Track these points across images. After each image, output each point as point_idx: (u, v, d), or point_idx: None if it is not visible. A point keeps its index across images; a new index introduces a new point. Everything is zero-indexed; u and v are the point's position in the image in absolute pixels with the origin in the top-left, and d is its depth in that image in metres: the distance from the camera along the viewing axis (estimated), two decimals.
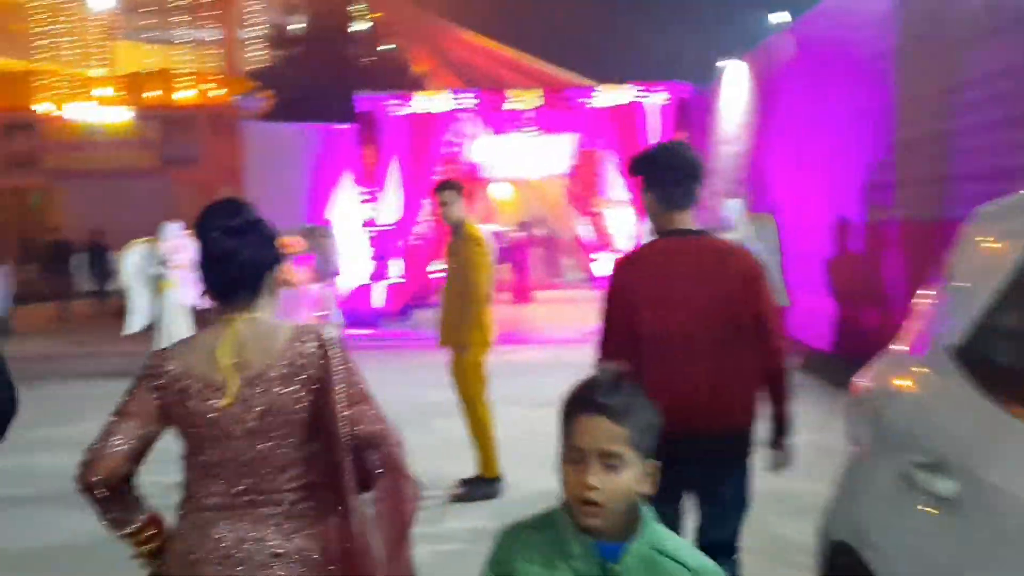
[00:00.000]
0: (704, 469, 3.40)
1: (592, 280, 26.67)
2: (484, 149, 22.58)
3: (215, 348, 2.45)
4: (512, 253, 22.34)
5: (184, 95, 31.81)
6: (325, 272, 14.89)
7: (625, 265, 3.48)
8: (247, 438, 2.41)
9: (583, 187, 25.37)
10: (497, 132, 19.98)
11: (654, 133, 18.41)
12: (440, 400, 8.90)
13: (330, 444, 2.44)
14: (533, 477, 6.55)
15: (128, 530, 2.47)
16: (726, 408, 3.36)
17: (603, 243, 24.08)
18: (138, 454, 2.45)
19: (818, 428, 7.85)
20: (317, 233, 15.29)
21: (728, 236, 11.21)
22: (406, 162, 18.45)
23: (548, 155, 24.05)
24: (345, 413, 2.42)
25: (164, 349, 2.56)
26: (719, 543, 3.44)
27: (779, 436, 3.60)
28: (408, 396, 10.09)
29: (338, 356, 2.46)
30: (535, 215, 40.67)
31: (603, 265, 24.63)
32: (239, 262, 2.47)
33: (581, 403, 2.12)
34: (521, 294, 22.38)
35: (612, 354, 3.23)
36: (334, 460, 2.44)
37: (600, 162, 22.67)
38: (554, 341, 14.74)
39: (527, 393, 9.96)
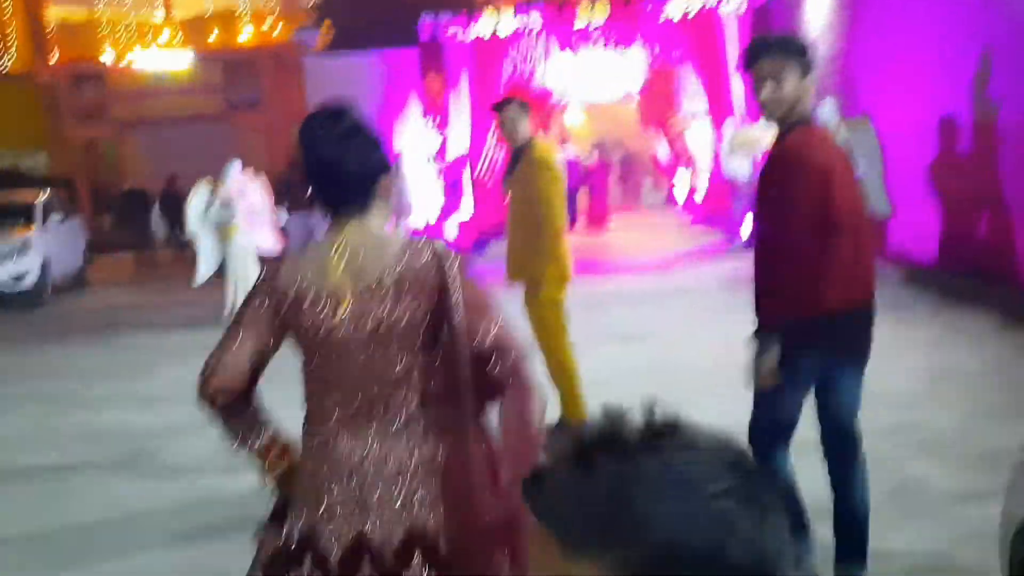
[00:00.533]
0: (859, 336, 3.55)
1: (671, 202, 25.82)
2: (555, 71, 21.72)
3: (328, 257, 2.41)
4: (588, 178, 21.56)
5: (245, 36, 31.21)
6: (397, 208, 14.47)
7: (813, 150, 3.43)
8: (363, 349, 2.36)
9: (658, 106, 24.38)
10: (565, 49, 19.09)
11: (732, 44, 17.38)
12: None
13: (450, 356, 2.39)
14: None
15: (254, 446, 2.46)
16: (872, 283, 3.58)
17: (682, 162, 23.17)
18: (257, 366, 2.44)
19: (929, 349, 7.14)
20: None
21: None
22: (473, 88, 17.75)
23: (620, 72, 23.08)
24: (464, 325, 2.36)
25: (279, 259, 2.55)
26: (849, 426, 3.57)
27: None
28: None
29: (455, 267, 2.39)
30: (610, 139, 39.80)
31: (682, 185, 23.84)
32: (346, 169, 2.42)
33: None
34: (597, 221, 21.65)
35: (803, 241, 3.32)
36: (455, 372, 2.38)
37: (674, 78, 21.64)
38: (635, 269, 14.06)
39: (611, 328, 9.35)
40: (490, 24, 17.39)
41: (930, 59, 10.51)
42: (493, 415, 2.45)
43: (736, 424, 5.82)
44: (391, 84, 17.09)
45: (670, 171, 25.51)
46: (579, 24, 17.45)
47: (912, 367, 6.71)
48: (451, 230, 17.62)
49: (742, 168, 14.03)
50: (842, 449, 3.55)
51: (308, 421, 2.47)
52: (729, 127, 14.52)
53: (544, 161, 5.97)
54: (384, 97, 16.83)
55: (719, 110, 17.67)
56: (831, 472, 3.60)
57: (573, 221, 21.36)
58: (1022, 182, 8.66)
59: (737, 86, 17.41)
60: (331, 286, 2.39)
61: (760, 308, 3.50)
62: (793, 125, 3.47)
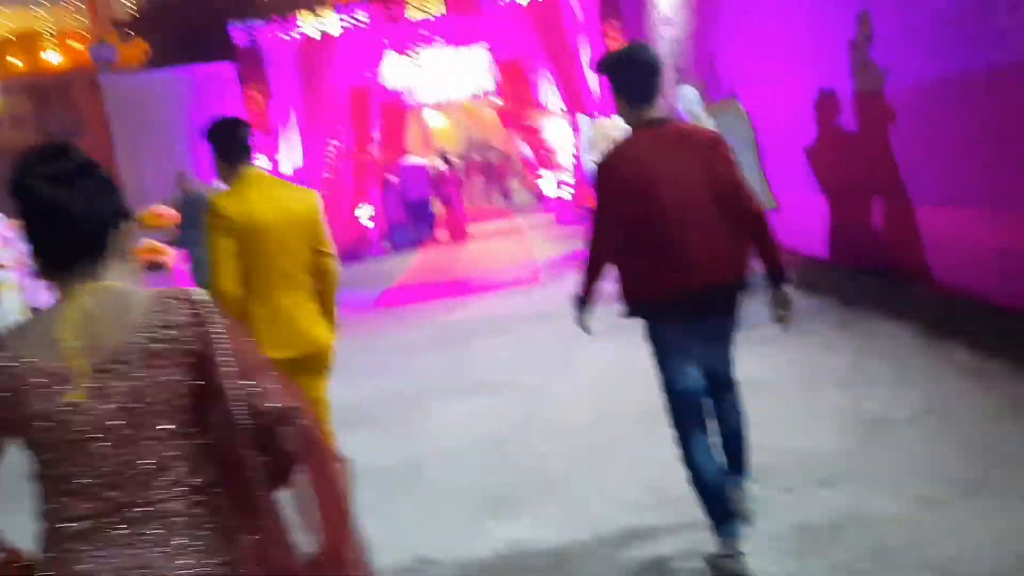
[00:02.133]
0: (708, 318, 3.80)
1: (541, 200, 24.64)
2: (397, 72, 20.09)
3: (55, 329, 1.99)
4: (440, 187, 19.89)
5: (54, 58, 28.46)
6: None
7: (610, 164, 3.70)
8: (110, 437, 1.96)
9: (516, 103, 23.00)
10: (401, 50, 17.38)
11: (581, 27, 15.98)
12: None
13: (223, 432, 2.02)
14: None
15: None
16: (722, 266, 3.70)
17: (544, 160, 21.83)
18: None
19: (845, 384, 5.70)
20: (202, 196, 12.86)
21: None
22: (302, 98, 15.90)
23: (467, 70, 21.65)
24: (237, 391, 2.01)
25: None
26: (722, 378, 3.95)
27: (777, 284, 3.85)
28: None
29: (218, 322, 2.03)
30: (473, 140, 38.44)
31: (549, 183, 22.67)
32: (70, 216, 2.01)
33: None
34: (456, 231, 19.97)
35: (605, 249, 3.75)
36: (232, 451, 2.02)
37: (528, 73, 20.21)
38: (496, 287, 12.45)
39: (463, 375, 7.74)
40: (314, 24, 15.55)
41: (801, 26, 9.18)
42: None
43: (634, 501, 4.19)
44: (206, 100, 15.04)
45: (535, 168, 24.24)
46: (411, 17, 15.74)
47: (826, 410, 5.26)
48: None
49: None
50: (721, 392, 3.94)
51: (46, 534, 1.99)
52: (584, 122, 13.06)
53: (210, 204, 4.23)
54: (198, 115, 14.80)
55: (574, 104, 16.23)
56: (715, 407, 3.94)
57: (430, 234, 19.72)
58: (921, 162, 7.34)
59: (591, 78, 16.02)
60: (62, 364, 1.96)
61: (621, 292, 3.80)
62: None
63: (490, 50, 18.00)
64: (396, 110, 25.63)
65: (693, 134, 3.81)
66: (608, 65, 3.75)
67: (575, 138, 15.93)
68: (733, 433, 3.94)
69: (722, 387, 3.93)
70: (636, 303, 3.71)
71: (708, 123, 8.83)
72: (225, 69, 15.20)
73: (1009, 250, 6.44)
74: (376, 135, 22.14)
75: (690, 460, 3.79)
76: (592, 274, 3.89)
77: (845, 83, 8.33)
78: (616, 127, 13.13)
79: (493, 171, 32.35)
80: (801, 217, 9.50)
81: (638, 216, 3.62)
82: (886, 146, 7.74)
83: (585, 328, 4.02)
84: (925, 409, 5.05)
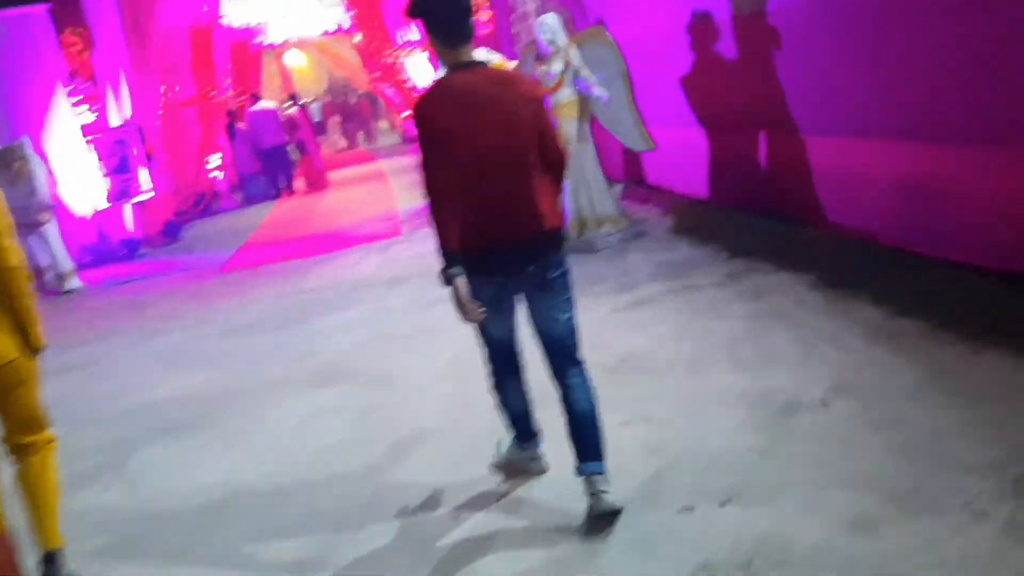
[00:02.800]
0: (529, 266, 3.55)
1: (408, 141, 23.48)
2: (241, 9, 18.52)
3: None
4: (293, 132, 18.47)
5: None
6: (30, 207, 11.06)
7: (427, 103, 3.46)
8: None
9: (372, 38, 21.62)
10: None
11: None
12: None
13: None
14: None
15: None
16: (537, 213, 3.52)
17: (408, 98, 20.63)
18: None
19: (753, 353, 4.84)
20: (13, 156, 11.31)
21: (551, 67, 7.93)
22: (129, 40, 14.28)
23: (318, 4, 20.16)
24: None
25: None
26: (562, 348, 3.66)
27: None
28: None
29: None
30: (334, 80, 36.67)
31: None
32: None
33: None
34: (315, 180, 18.63)
35: (441, 189, 3.37)
36: None
37: (383, 3, 18.88)
38: (352, 242, 11.33)
39: (306, 360, 6.68)
40: None
41: None
42: None
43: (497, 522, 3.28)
44: (16, 51, 13.26)
45: (399, 106, 22.96)
46: None
47: (720, 395, 4.43)
48: (129, 217, 14.24)
49: None
50: (565, 367, 3.67)
51: None
52: None
53: None
54: (8, 68, 13.06)
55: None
56: (560, 388, 3.69)
57: (287, 185, 18.37)
58: (808, 89, 6.55)
59: None
60: None
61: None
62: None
63: None
64: (246, 51, 23.96)
65: (512, 78, 3.66)
66: (419, 6, 3.55)
67: (435, 74, 14.77)
68: (584, 416, 3.65)
69: (565, 360, 3.67)
70: (453, 253, 3.39)
71: (572, 54, 7.89)
72: (36, 11, 13.44)
73: (908, 185, 5.72)
74: (226, 80, 20.52)
75: (504, 397, 3.92)
76: (446, 220, 3.40)
77: (722, 3, 7.46)
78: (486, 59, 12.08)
79: (353, 112, 30.83)
80: (677, 154, 8.69)
81: (455, 161, 3.40)
82: (769, 73, 6.92)
83: (464, 302, 3.41)
84: (837, 386, 4.25)
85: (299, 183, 18.93)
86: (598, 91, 7.66)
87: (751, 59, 7.20)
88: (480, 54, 11.62)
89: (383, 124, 33.21)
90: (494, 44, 13.97)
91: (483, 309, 3.46)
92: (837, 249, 6.25)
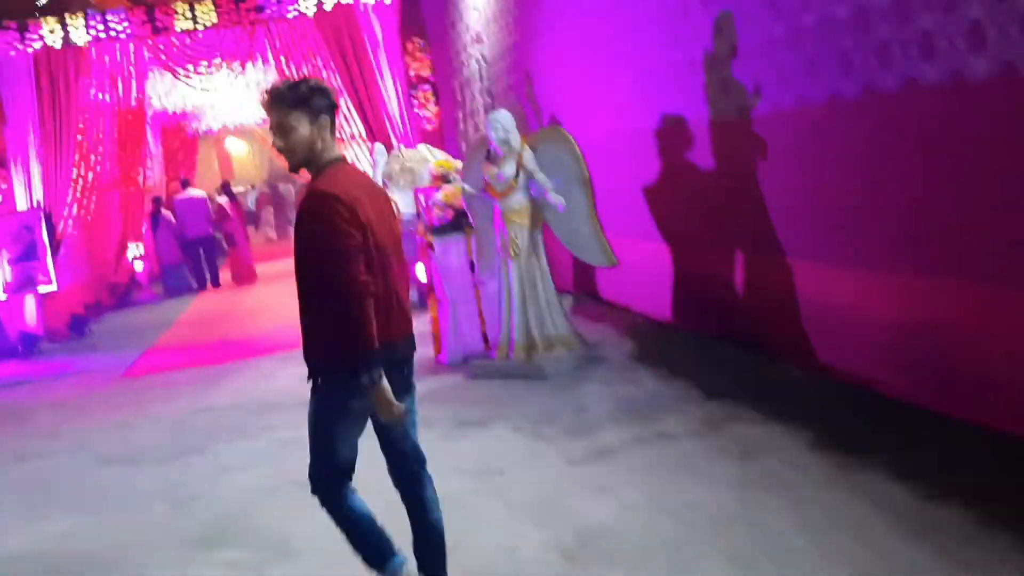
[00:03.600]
0: (405, 365, 3.50)
1: None
2: (174, 92, 17.53)
3: None
4: (221, 224, 17.38)
5: None
6: None
7: (347, 190, 3.26)
8: None
9: None
10: (172, 67, 14.88)
11: (379, 45, 14.01)
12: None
13: None
14: None
15: None
16: (408, 309, 3.50)
17: None
18: None
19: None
20: None
21: (503, 169, 7.05)
22: (44, 118, 13.20)
23: (254, 91, 19.24)
24: None
25: None
26: (417, 453, 3.58)
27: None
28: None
29: None
30: (275, 169, 35.75)
31: None
32: None
33: None
34: (243, 273, 17.48)
35: (365, 282, 3.18)
36: None
37: None
38: (270, 348, 10.20)
39: (192, 516, 5.53)
40: (59, 34, 12.90)
41: (641, 39, 7.49)
42: None
43: None
44: None
45: None
46: (180, 28, 13.30)
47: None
48: (31, 309, 12.95)
49: (401, 201, 10.60)
50: (416, 474, 3.56)
51: None
52: (381, 152, 11.06)
53: None
54: None
55: (373, 130, 14.20)
56: (411, 497, 3.56)
57: (211, 278, 17.23)
58: (796, 211, 5.71)
59: (392, 101, 14.06)
60: None
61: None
62: (322, 168, 3.34)
63: (277, 69, 15.73)
64: (181, 135, 22.93)
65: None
66: (317, 89, 3.35)
67: (372, 169, 13.93)
68: (433, 526, 3.56)
69: (419, 465, 3.60)
70: (377, 354, 3.18)
71: (526, 155, 7.01)
72: None
73: (913, 326, 4.83)
74: (151, 164, 19.43)
75: (355, 514, 3.53)
76: (370, 317, 3.19)
77: (697, 107, 6.67)
78: (419, 159, 11.20)
79: (286, 203, 29.92)
80: (637, 270, 7.78)
81: (373, 254, 3.28)
82: (751, 186, 6.08)
83: (392, 402, 3.25)
84: None
85: (226, 275, 17.79)
86: (554, 198, 6.76)
87: (730, 169, 6.38)
88: (421, 151, 10.73)
89: None
90: (438, 142, 13.16)
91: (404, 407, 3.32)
92: (832, 396, 5.32)
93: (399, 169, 10.81)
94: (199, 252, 17.12)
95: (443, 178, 9.48)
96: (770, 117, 5.80)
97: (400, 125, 14.03)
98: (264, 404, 7.54)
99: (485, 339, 7.80)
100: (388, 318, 3.28)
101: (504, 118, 7.05)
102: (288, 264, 13.94)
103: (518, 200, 7.01)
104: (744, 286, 6.50)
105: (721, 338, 6.80)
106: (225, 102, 20.82)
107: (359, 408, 3.33)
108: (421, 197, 9.92)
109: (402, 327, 3.40)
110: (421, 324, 10.23)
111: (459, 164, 9.78)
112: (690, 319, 7.36)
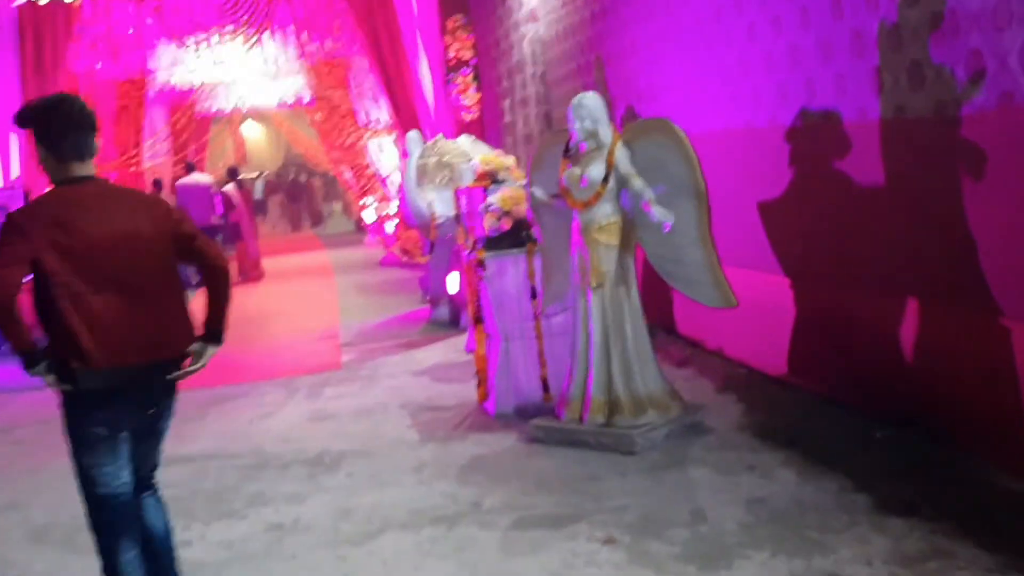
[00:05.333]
0: (148, 399, 3.45)
1: (366, 232, 21.08)
2: (184, 67, 15.95)
3: None
4: (229, 213, 15.70)
5: None
6: None
7: (29, 209, 3.47)
8: None
9: (333, 113, 19.13)
10: (181, 37, 13.22)
11: (416, 22, 12.32)
12: None
13: None
14: None
15: None
16: (164, 340, 3.41)
17: (367, 185, 18.15)
18: None
19: None
20: None
21: (588, 170, 5.34)
22: (27, 88, 11.54)
23: (275, 71, 17.69)
24: None
25: None
26: (149, 474, 3.60)
27: (211, 340, 3.53)
28: None
29: None
30: (292, 157, 34.20)
31: (372, 214, 19.08)
32: None
33: None
34: (246, 270, 15.80)
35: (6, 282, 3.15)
36: None
37: (349, 75, 16.37)
38: (268, 373, 8.49)
39: None
40: None
41: (766, 5, 5.78)
42: None
43: None
44: None
45: (361, 193, 20.47)
46: None
47: None
48: None
49: (438, 201, 8.94)
50: (143, 489, 3.56)
51: None
52: (414, 142, 9.35)
53: None
54: None
55: (404, 118, 12.52)
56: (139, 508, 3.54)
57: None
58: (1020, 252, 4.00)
59: (427, 85, 12.36)
60: None
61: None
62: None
63: (298, 42, 14.07)
64: (190, 115, 21.39)
65: (129, 194, 3.63)
66: (26, 117, 3.41)
67: (402, 162, 12.28)
68: (161, 538, 3.55)
69: (144, 484, 3.57)
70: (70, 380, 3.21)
71: (620, 155, 5.30)
72: None
73: None
74: (152, 142, 17.82)
75: (117, 568, 3.38)
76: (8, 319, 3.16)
77: (858, 99, 4.95)
78: (460, 152, 9.49)
79: (299, 192, 28.28)
80: (744, 308, 6.00)
81: (63, 278, 3.22)
82: (944, 211, 4.38)
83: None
84: None
85: (231, 270, 16.11)
86: (658, 213, 5.04)
87: (912, 187, 4.65)
88: (463, 144, 9.03)
89: (336, 207, 30.78)
90: (479, 134, 11.45)
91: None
92: None
93: (436, 163, 9.13)
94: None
95: (491, 177, 7.79)
96: (980, 116, 4.08)
97: (435, 114, 12.33)
98: (258, 458, 5.83)
99: (545, 386, 6.08)
100: (118, 339, 3.27)
101: (593, 104, 5.33)
102: (299, 260, 12.05)
103: (605, 212, 5.30)
104: (920, 348, 4.76)
105: (869, 412, 5.07)
106: (239, 81, 19.26)
107: (89, 426, 3.31)
108: (463, 199, 8.26)
109: (146, 352, 3.34)
110: (452, 351, 8.77)
111: (510, 161, 8.12)
112: (818, 379, 5.63)
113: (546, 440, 5.45)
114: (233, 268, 16.11)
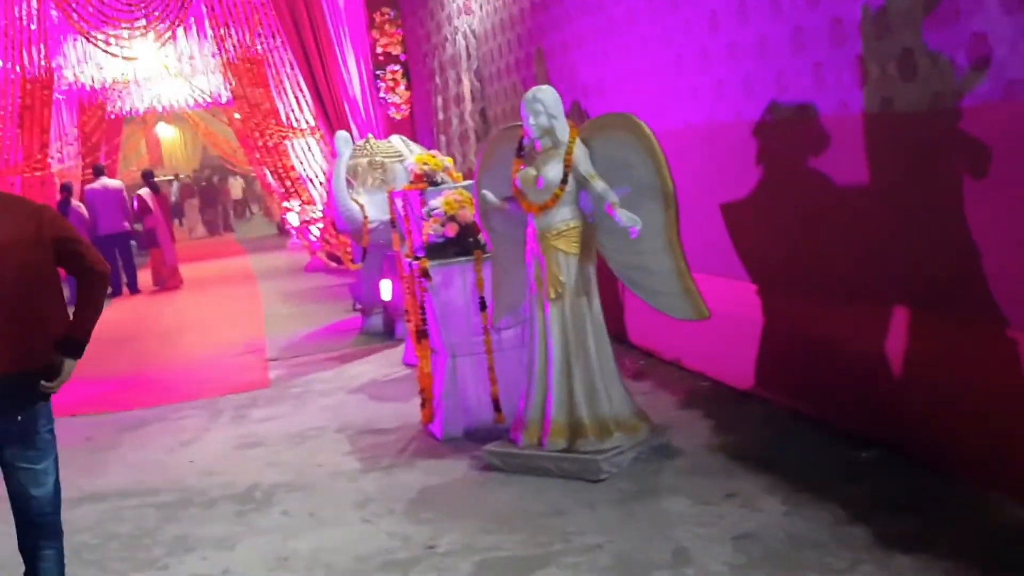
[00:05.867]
0: (13, 407, 3.32)
1: (290, 232, 20.38)
2: (93, 64, 15.10)
3: None
4: (142, 219, 14.88)
5: None
6: None
7: None
8: None
9: (252, 113, 18.35)
10: (89, 29, 12.41)
11: (342, 16, 11.75)
12: None
13: None
14: None
15: None
16: (30, 349, 3.30)
17: (290, 188, 17.45)
18: None
19: None
20: None
21: (545, 170, 4.88)
22: None
23: (191, 69, 16.90)
24: None
25: None
26: (35, 514, 3.38)
27: (68, 353, 3.36)
28: None
29: None
30: (209, 160, 33.22)
31: (296, 218, 18.37)
32: None
33: None
34: (163, 277, 14.98)
35: None
36: None
37: (274, 71, 15.64)
38: (179, 396, 7.85)
39: None
40: None
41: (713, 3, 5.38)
42: None
43: None
44: None
45: (282, 195, 19.72)
46: None
47: None
48: None
49: (370, 204, 8.40)
50: (36, 540, 3.40)
51: None
52: (344, 141, 8.77)
53: None
54: None
55: (329, 118, 11.92)
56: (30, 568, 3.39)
57: (128, 281, 14.78)
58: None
59: (354, 82, 11.79)
60: None
61: None
62: None
63: (216, 38, 13.35)
64: (101, 116, 20.40)
65: (11, 202, 3.45)
66: None
67: (329, 163, 11.69)
68: None
69: (36, 531, 3.38)
70: None
71: (579, 153, 4.85)
72: None
73: None
74: (62, 147, 16.86)
75: None
76: None
77: (837, 92, 4.58)
78: (392, 152, 8.94)
79: (216, 196, 27.40)
80: (718, 324, 5.60)
81: None
82: (934, 209, 4.01)
83: None
84: None
85: (147, 278, 15.33)
86: (624, 218, 4.59)
87: (892, 184, 4.28)
88: (395, 143, 8.46)
89: (255, 209, 30.01)
90: (409, 133, 10.92)
91: None
92: None
93: (367, 164, 8.59)
94: (114, 251, 14.59)
95: (428, 178, 7.29)
96: (997, 106, 3.71)
97: (363, 112, 11.75)
98: (179, 494, 5.23)
99: (496, 405, 5.59)
100: None
101: (549, 98, 4.86)
102: (219, 267, 11.26)
103: (564, 216, 4.83)
104: (909, 362, 4.38)
105: (849, 430, 4.70)
106: (152, 79, 18.38)
107: None
108: (399, 202, 7.75)
109: (12, 363, 3.25)
110: (389, 364, 8.19)
111: (448, 161, 7.64)
112: (790, 394, 5.24)
113: (502, 467, 4.95)
114: (150, 276, 15.34)
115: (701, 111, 5.79)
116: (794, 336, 5.29)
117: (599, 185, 4.72)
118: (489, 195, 5.08)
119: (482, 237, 5.65)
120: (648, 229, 4.65)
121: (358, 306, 10.12)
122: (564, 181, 4.78)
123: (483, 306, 5.58)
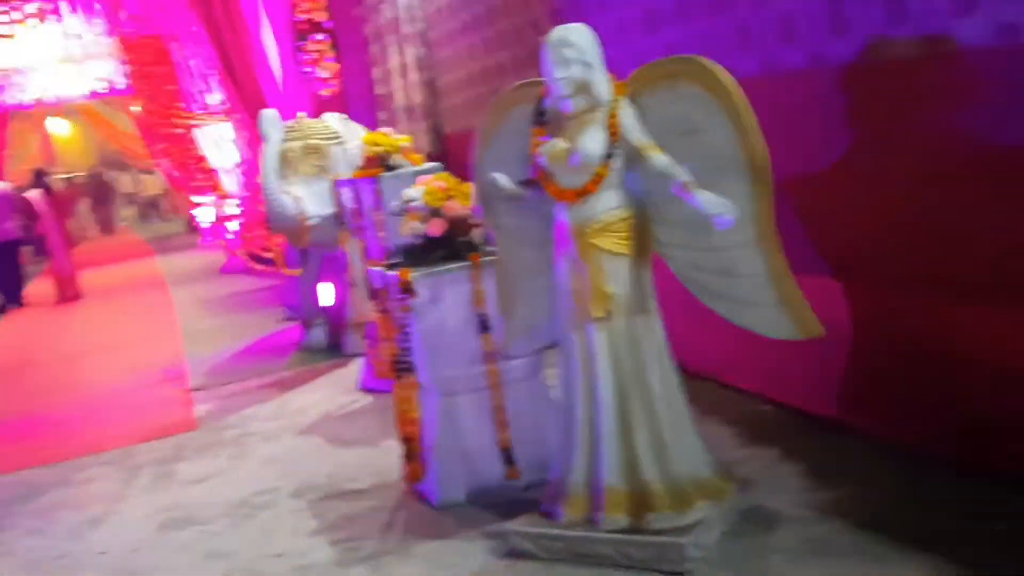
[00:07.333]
0: None
1: (200, 231, 18.91)
2: None
3: None
4: (34, 224, 13.13)
5: None
6: None
7: None
8: None
9: (154, 99, 16.75)
10: None
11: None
12: None
13: None
14: None
15: None
16: None
17: (197, 181, 15.88)
18: None
19: None
20: None
21: (581, 142, 3.50)
22: None
23: (83, 54, 15.22)
24: None
25: None
26: None
27: None
28: None
29: None
30: (107, 155, 31.12)
31: (207, 213, 16.91)
32: None
33: None
34: (60, 288, 13.24)
35: None
36: None
37: (178, 58, 13.97)
38: (122, 436, 6.34)
39: None
40: None
41: None
42: None
43: None
44: None
45: (191, 189, 18.25)
46: None
47: None
48: None
49: (308, 196, 6.99)
50: None
51: None
52: (271, 122, 7.27)
53: None
54: None
55: (244, 101, 10.38)
56: None
57: (16, 295, 13.02)
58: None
59: (272, 56, 10.27)
60: None
61: None
62: None
63: (107, 15, 11.66)
64: None
65: None
66: None
67: (247, 153, 10.18)
68: None
69: None
70: None
71: (625, 113, 3.48)
72: None
73: None
74: None
75: None
76: None
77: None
78: (329, 133, 7.46)
79: (108, 194, 25.80)
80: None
81: None
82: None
83: None
84: None
85: (40, 288, 13.57)
86: (708, 203, 3.25)
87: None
88: (330, 122, 7.03)
89: (163, 209, 28.27)
90: (342, 109, 9.46)
91: None
92: None
93: (301, 149, 7.13)
94: (2, 261, 12.83)
95: (382, 162, 5.93)
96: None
97: (283, 89, 10.22)
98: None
99: (507, 457, 4.22)
100: None
101: (582, 38, 3.48)
102: (123, 273, 9.33)
103: (609, 204, 3.48)
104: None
105: (980, 469, 3.47)
106: (38, 67, 16.54)
107: None
108: (347, 191, 6.42)
109: None
110: (340, 391, 6.66)
111: (404, 140, 6.31)
112: (891, 422, 3.99)
113: (538, 554, 3.58)
114: (45, 288, 13.60)
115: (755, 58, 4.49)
116: (887, 344, 4.05)
117: (660, 159, 3.37)
118: (502, 178, 3.69)
119: (476, 235, 4.30)
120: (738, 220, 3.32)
121: (289, 315, 8.75)
122: (609, 156, 3.43)
123: (485, 327, 4.20)
